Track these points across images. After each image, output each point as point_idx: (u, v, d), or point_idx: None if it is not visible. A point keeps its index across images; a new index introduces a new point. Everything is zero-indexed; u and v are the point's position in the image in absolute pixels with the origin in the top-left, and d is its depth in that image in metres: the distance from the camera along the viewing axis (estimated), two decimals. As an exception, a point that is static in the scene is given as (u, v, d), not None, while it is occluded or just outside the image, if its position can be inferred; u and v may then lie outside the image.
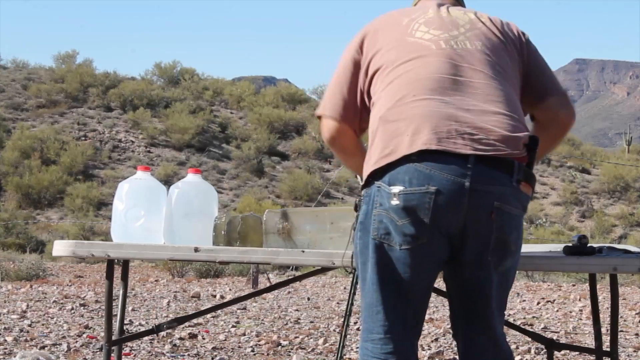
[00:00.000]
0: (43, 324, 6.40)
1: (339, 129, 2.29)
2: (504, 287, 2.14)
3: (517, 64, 2.28)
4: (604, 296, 9.03)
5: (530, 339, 4.89)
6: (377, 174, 2.08)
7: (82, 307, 7.64)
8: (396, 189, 2.03)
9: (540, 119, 2.35)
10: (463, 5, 2.45)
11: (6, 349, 5.14)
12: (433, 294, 2.16)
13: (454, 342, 6.34)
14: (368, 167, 2.12)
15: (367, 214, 2.12)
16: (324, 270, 3.12)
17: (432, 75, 2.12)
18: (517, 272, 2.96)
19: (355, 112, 2.28)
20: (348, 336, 5.24)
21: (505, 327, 2.56)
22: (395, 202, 2.03)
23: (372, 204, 2.10)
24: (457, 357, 5.81)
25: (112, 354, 2.84)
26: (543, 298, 9.81)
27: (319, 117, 2.35)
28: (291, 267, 13.64)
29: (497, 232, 2.03)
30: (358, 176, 2.41)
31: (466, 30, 2.24)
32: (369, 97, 2.26)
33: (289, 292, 10.01)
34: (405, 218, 2.02)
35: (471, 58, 2.17)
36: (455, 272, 2.13)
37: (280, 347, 5.63)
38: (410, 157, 2.02)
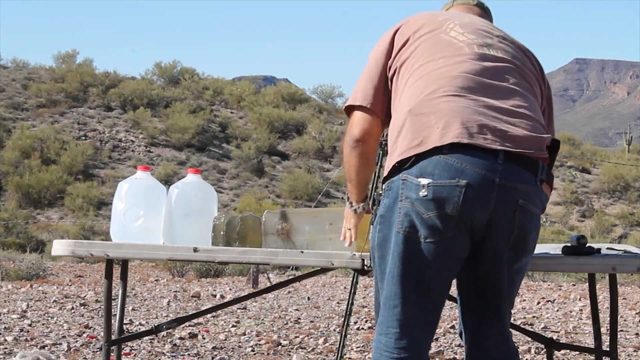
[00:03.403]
0: (43, 324, 6.40)
1: (371, 122, 2.27)
2: (516, 284, 2.18)
3: (539, 87, 2.34)
4: (603, 296, 9.03)
5: (530, 339, 4.89)
6: (403, 166, 2.08)
7: (82, 307, 7.64)
8: (425, 180, 2.03)
9: None
10: (491, 21, 2.52)
11: (6, 348, 5.14)
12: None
13: (454, 342, 6.34)
14: (393, 159, 2.12)
15: (388, 208, 2.12)
16: (324, 270, 3.12)
17: (463, 74, 2.14)
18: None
19: (383, 104, 2.29)
20: (348, 336, 5.24)
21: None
22: (423, 193, 2.02)
23: (395, 196, 2.09)
24: (457, 357, 5.82)
25: (112, 354, 2.84)
26: (543, 298, 9.82)
27: (348, 111, 2.32)
28: (291, 267, 13.65)
29: (518, 229, 2.07)
30: (350, 199, 2.41)
31: (499, 41, 2.28)
32: (391, 87, 2.28)
33: (289, 292, 10.01)
34: (433, 211, 2.02)
35: (502, 66, 2.21)
36: (472, 267, 2.13)
37: (280, 346, 5.63)
38: (441, 150, 2.02)
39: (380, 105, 2.28)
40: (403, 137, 2.10)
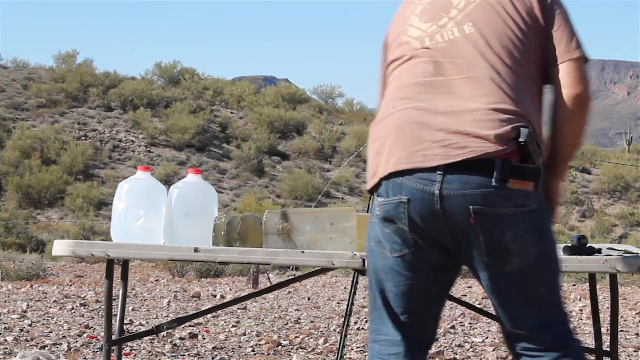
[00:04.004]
0: (43, 324, 6.40)
1: None
2: (525, 285, 2.03)
3: (532, 28, 2.08)
4: (604, 296, 9.03)
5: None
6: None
7: (82, 307, 7.64)
8: (379, 199, 2.07)
9: (552, 96, 2.15)
10: None
11: (6, 348, 5.14)
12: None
13: (454, 342, 6.34)
14: (367, 185, 2.16)
15: (369, 221, 2.16)
16: (324, 270, 3.12)
17: (412, 80, 2.08)
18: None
19: None
20: (348, 336, 5.24)
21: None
22: (377, 212, 2.07)
23: (372, 212, 2.14)
24: (457, 357, 5.82)
25: (112, 354, 2.84)
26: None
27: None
28: (291, 267, 13.65)
29: (485, 235, 1.97)
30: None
31: (459, 11, 2.12)
32: None
33: (289, 292, 10.01)
34: (389, 227, 2.05)
35: (455, 50, 2.06)
36: (474, 275, 2.11)
37: (280, 346, 5.63)
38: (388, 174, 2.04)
39: None
40: (368, 162, 2.13)
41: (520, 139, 1.95)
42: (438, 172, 1.95)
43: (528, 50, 2.06)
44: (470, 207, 1.94)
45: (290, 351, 5.49)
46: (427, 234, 2.01)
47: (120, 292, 2.88)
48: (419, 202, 1.98)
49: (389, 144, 2.04)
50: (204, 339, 5.88)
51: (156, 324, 2.99)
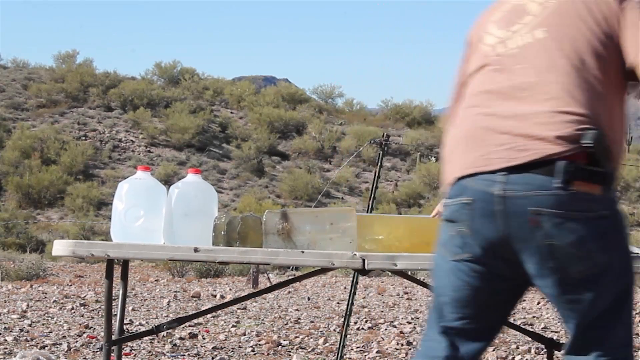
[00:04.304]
0: (43, 324, 6.40)
1: None
2: (585, 295, 1.95)
3: (608, 33, 2.02)
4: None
5: (530, 339, 4.89)
6: None
7: (82, 307, 7.64)
8: (445, 201, 2.10)
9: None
10: None
11: (6, 348, 5.14)
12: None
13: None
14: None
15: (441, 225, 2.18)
16: (324, 270, 3.12)
17: (482, 88, 2.10)
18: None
19: None
20: (348, 336, 5.24)
21: (505, 327, 2.56)
22: (445, 214, 2.10)
23: (442, 213, 2.17)
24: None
25: (112, 354, 2.84)
26: (543, 298, 9.81)
27: None
28: (291, 267, 13.65)
29: (543, 238, 1.93)
30: None
31: (533, 17, 2.10)
32: None
33: (289, 292, 10.01)
34: (452, 229, 2.06)
35: (526, 56, 2.05)
36: (536, 284, 2.04)
37: (280, 346, 5.63)
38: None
39: None
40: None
41: (586, 141, 1.91)
42: (501, 173, 1.95)
43: (604, 55, 2.03)
44: (531, 208, 1.92)
45: (290, 351, 5.49)
46: (487, 238, 2.00)
47: (120, 292, 2.88)
48: (480, 202, 1.98)
49: (457, 151, 2.09)
50: (204, 339, 5.88)
51: (156, 324, 2.99)
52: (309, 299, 9.34)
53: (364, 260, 2.53)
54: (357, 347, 5.67)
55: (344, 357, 4.95)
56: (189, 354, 5.23)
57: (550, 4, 2.09)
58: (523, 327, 5.22)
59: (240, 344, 5.70)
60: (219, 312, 7.28)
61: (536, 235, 1.94)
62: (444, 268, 2.09)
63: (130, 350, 5.14)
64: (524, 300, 9.63)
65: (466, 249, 2.03)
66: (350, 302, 4.69)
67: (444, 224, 2.09)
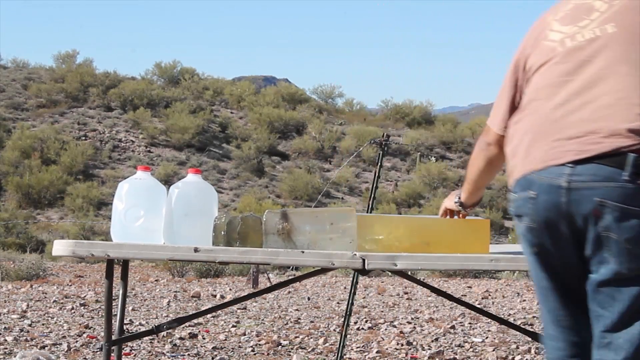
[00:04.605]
0: (43, 324, 6.40)
1: (497, 140, 2.33)
2: (634, 295, 1.94)
3: None
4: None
5: (530, 339, 4.89)
6: None
7: (82, 307, 7.64)
8: (512, 196, 2.11)
9: None
10: None
11: (6, 348, 5.14)
12: (432, 294, 2.17)
13: (454, 342, 6.32)
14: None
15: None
16: (324, 270, 3.12)
17: (549, 81, 2.10)
18: (517, 271, 2.97)
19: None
20: (348, 336, 5.24)
21: (505, 326, 2.57)
22: (511, 209, 2.12)
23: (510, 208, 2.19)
24: (457, 357, 5.80)
25: (112, 354, 2.84)
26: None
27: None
28: (291, 267, 13.65)
29: (602, 230, 1.93)
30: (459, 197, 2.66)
31: (601, 13, 2.12)
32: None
33: (289, 292, 10.01)
34: (521, 223, 2.08)
35: (595, 49, 2.06)
36: (588, 270, 2.04)
37: (280, 347, 5.63)
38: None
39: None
40: (508, 162, 2.20)
41: None
42: (568, 165, 1.95)
43: None
44: (596, 199, 1.92)
45: (290, 351, 5.49)
46: (555, 229, 2.01)
47: (120, 292, 2.89)
48: (545, 195, 1.99)
49: (524, 145, 2.08)
50: (204, 339, 5.88)
51: (156, 324, 2.99)
52: (309, 299, 9.34)
53: (364, 260, 2.53)
54: (357, 347, 5.67)
55: (344, 357, 4.95)
56: (189, 354, 5.23)
57: (616, 2, 2.11)
58: (523, 327, 5.22)
59: (240, 344, 5.70)
60: (219, 312, 7.28)
61: (597, 226, 1.94)
62: (530, 260, 2.13)
63: (130, 350, 5.14)
64: (524, 301, 9.62)
65: (537, 242, 2.05)
66: (350, 302, 4.69)
67: (515, 219, 2.12)
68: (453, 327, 6.83)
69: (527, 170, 2.04)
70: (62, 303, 7.94)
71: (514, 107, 2.24)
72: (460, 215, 2.75)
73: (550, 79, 2.10)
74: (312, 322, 7.09)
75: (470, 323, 7.13)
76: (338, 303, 8.88)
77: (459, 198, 2.67)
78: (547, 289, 2.10)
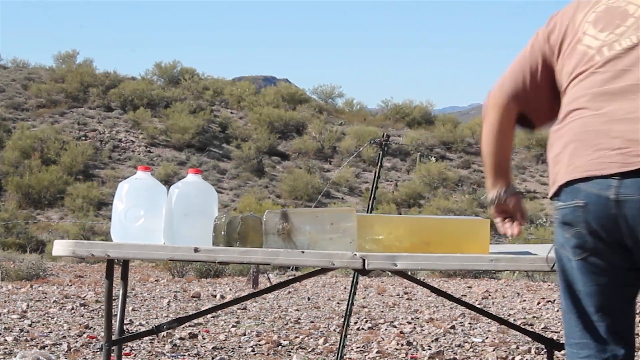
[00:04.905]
0: (43, 324, 6.40)
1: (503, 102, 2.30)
2: None
3: None
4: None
5: (530, 339, 4.88)
6: None
7: (82, 307, 7.64)
8: (557, 204, 2.11)
9: None
10: None
11: (6, 348, 5.14)
12: (432, 294, 2.17)
13: (454, 342, 6.32)
14: (549, 193, 2.18)
15: (555, 225, 2.18)
16: (324, 270, 3.12)
17: (589, 90, 2.10)
18: (517, 272, 2.97)
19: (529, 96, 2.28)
20: (348, 336, 5.24)
21: (505, 327, 2.57)
22: (557, 216, 2.11)
23: (553, 216, 2.17)
24: (457, 357, 5.81)
25: (112, 354, 2.84)
26: (543, 298, 9.81)
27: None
28: (291, 267, 13.65)
29: None
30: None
31: (636, 19, 2.11)
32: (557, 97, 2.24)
33: (289, 292, 10.01)
34: (569, 231, 2.08)
35: (633, 58, 2.07)
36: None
37: (280, 347, 5.63)
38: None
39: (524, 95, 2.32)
40: (550, 169, 2.17)
41: None
42: (614, 177, 1.97)
43: None
44: None
45: (290, 351, 5.49)
46: (605, 237, 2.03)
47: (120, 292, 2.89)
48: (594, 206, 2.00)
49: (567, 153, 2.08)
50: (204, 339, 5.88)
51: (156, 324, 2.99)
52: (309, 299, 9.34)
53: (364, 260, 2.53)
54: (357, 347, 5.67)
55: (344, 357, 4.95)
56: (189, 354, 5.23)
57: None
58: (523, 327, 5.22)
59: (240, 344, 5.70)
60: (219, 312, 7.28)
61: None
62: (570, 267, 2.12)
63: (130, 351, 5.14)
64: (524, 301, 9.63)
65: (586, 248, 2.06)
66: (350, 302, 4.69)
67: (559, 226, 2.11)
68: (453, 327, 6.83)
69: (572, 179, 2.05)
70: (62, 303, 7.94)
71: (530, 79, 2.24)
72: (513, 208, 2.38)
73: (591, 89, 2.09)
74: (312, 322, 7.09)
75: (470, 323, 7.13)
76: (338, 303, 8.88)
77: (492, 194, 2.36)
78: (588, 295, 2.10)
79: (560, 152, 2.10)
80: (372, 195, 4.73)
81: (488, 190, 2.37)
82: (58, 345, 5.30)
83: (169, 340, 5.64)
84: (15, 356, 4.66)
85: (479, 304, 8.90)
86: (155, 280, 11.97)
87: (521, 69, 2.28)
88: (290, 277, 10.12)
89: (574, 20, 2.21)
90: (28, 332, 5.89)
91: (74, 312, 7.27)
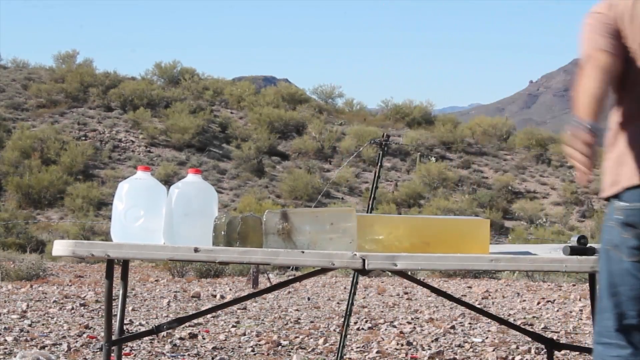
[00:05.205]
0: (43, 324, 6.40)
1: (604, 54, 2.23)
2: None
3: None
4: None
5: (530, 339, 4.89)
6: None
7: (82, 307, 7.64)
8: (621, 204, 2.14)
9: None
10: None
11: (6, 348, 5.14)
12: (432, 294, 2.17)
13: (454, 342, 6.32)
14: (604, 192, 2.22)
15: (604, 225, 2.21)
16: (324, 270, 3.12)
17: None
18: (517, 272, 2.97)
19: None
20: (348, 336, 5.24)
21: (505, 327, 2.57)
22: (619, 216, 2.14)
23: (607, 215, 2.20)
24: (457, 357, 5.81)
25: (112, 354, 2.84)
26: (543, 298, 9.81)
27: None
28: (291, 267, 13.64)
29: None
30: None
31: None
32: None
33: (289, 292, 10.00)
34: (629, 231, 2.11)
35: None
36: None
37: (280, 347, 5.63)
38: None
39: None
40: (608, 167, 2.21)
41: None
42: None
43: None
44: None
45: (290, 351, 5.49)
46: None
47: (120, 292, 2.89)
48: None
49: (632, 155, 2.12)
50: (204, 339, 5.88)
51: (156, 324, 2.99)
52: (309, 299, 9.34)
53: (364, 260, 2.53)
54: (357, 347, 5.67)
55: (344, 357, 4.95)
56: (189, 354, 5.23)
57: None
58: (523, 327, 5.22)
59: (240, 344, 5.70)
60: (219, 312, 7.28)
61: None
62: (619, 268, 2.13)
63: (130, 350, 5.14)
64: (524, 301, 9.62)
65: None
66: (350, 302, 4.69)
67: (619, 226, 2.13)
68: (453, 327, 6.83)
69: (637, 182, 2.08)
70: (62, 303, 7.94)
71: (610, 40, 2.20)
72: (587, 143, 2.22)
73: None
74: (312, 322, 7.09)
75: (470, 323, 7.13)
76: (338, 303, 8.88)
77: (585, 121, 2.20)
78: (632, 298, 2.13)
79: (624, 153, 2.13)
80: (372, 195, 4.73)
81: (579, 117, 2.22)
82: (58, 345, 5.30)
83: (169, 340, 5.64)
84: (15, 356, 4.66)
85: (479, 304, 8.90)
86: (155, 280, 11.97)
87: (596, 34, 2.22)
88: (290, 277, 10.11)
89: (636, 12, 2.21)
90: (28, 332, 5.89)
91: (74, 312, 7.27)
